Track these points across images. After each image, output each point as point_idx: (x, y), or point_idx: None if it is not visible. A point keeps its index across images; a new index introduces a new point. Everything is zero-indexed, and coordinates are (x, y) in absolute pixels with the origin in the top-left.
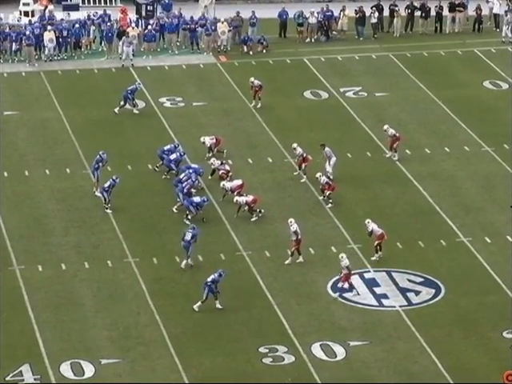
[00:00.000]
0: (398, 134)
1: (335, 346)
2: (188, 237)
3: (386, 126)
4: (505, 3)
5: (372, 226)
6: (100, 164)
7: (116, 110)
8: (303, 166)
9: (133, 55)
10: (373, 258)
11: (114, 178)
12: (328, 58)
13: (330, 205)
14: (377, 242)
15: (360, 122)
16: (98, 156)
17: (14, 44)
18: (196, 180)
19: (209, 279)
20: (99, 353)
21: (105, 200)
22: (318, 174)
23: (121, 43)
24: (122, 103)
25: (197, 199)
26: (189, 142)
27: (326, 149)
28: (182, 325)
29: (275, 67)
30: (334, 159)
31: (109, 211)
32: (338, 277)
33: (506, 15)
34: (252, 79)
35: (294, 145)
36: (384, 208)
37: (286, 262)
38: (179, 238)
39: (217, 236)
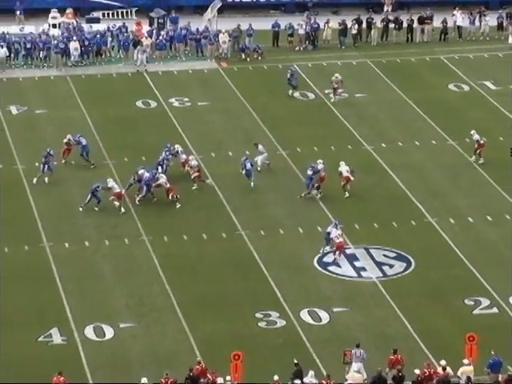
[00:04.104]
0: (482, 141)
1: (320, 311)
2: (248, 165)
3: (472, 131)
4: (467, 16)
5: (343, 168)
6: (49, 159)
7: None
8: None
9: (146, 62)
10: (346, 196)
11: (154, 172)
12: (314, 64)
13: (319, 195)
14: (343, 183)
15: (342, 120)
16: (46, 152)
17: (41, 52)
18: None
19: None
20: (118, 318)
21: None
22: (319, 161)
23: (136, 51)
24: None
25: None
26: (194, 137)
27: (260, 147)
28: (189, 294)
29: (269, 72)
30: (265, 155)
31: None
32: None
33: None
34: (337, 75)
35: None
36: (363, 193)
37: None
38: (187, 219)
39: (218, 217)
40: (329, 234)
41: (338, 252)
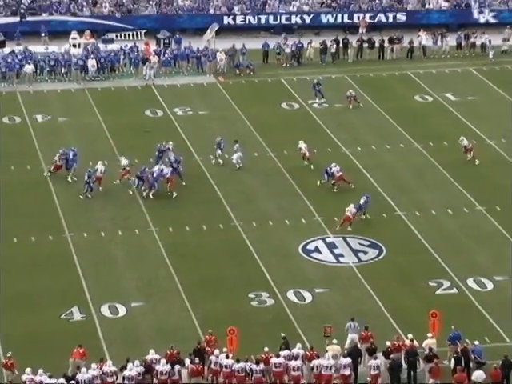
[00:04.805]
0: (469, 146)
1: (304, 292)
2: (222, 146)
3: (461, 138)
4: (430, 37)
5: (302, 145)
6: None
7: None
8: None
9: (154, 76)
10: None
11: (160, 168)
12: (299, 78)
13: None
14: (333, 182)
15: (323, 126)
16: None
17: (63, 68)
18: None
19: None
20: (129, 298)
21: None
22: (333, 164)
23: (145, 67)
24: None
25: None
26: (195, 141)
27: (235, 146)
28: (191, 277)
29: (260, 85)
30: (239, 154)
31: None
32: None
33: (490, 43)
34: (350, 90)
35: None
36: (341, 190)
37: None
38: (189, 213)
39: (216, 211)
40: (360, 204)
41: (343, 223)
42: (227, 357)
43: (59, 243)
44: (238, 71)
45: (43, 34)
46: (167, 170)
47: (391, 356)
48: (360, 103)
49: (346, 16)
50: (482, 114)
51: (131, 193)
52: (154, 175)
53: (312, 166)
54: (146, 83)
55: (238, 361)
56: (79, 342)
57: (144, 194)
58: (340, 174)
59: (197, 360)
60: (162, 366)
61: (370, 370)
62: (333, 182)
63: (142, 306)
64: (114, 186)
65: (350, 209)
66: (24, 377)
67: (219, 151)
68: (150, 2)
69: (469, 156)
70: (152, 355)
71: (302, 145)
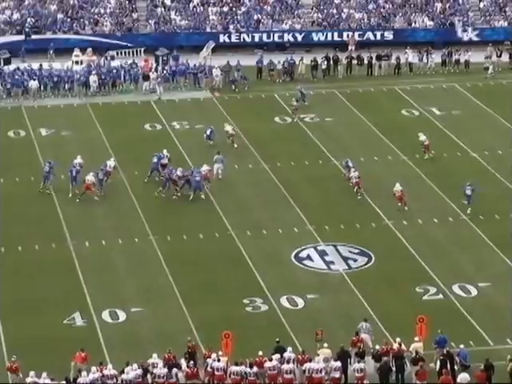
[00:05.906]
0: (427, 142)
1: (297, 298)
2: (208, 132)
3: (420, 134)
4: (416, 54)
5: (228, 128)
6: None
7: None
8: None
9: (161, 91)
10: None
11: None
12: (291, 93)
13: (359, 196)
14: (355, 184)
15: (314, 139)
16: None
17: (66, 84)
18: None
19: None
20: (129, 303)
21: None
22: (352, 169)
23: (157, 86)
24: None
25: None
26: (192, 153)
27: (219, 156)
28: (188, 283)
29: (254, 100)
30: (220, 165)
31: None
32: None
33: (490, 58)
34: (292, 100)
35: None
36: (331, 199)
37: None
38: (186, 222)
39: (213, 220)
40: (468, 195)
41: (400, 203)
42: (218, 360)
43: (62, 251)
44: (233, 87)
45: (51, 52)
46: (205, 168)
47: (384, 359)
48: (299, 116)
49: (335, 34)
50: (465, 127)
51: (156, 194)
52: (197, 178)
53: (236, 145)
54: (150, 98)
55: (236, 364)
56: (81, 346)
57: (191, 196)
58: (357, 180)
59: (191, 363)
60: (160, 370)
61: (355, 373)
62: (356, 188)
63: (141, 312)
64: (116, 197)
65: (397, 188)
66: (28, 380)
67: (207, 138)
68: (149, 21)
69: (427, 154)
70: (154, 359)
71: (227, 127)
